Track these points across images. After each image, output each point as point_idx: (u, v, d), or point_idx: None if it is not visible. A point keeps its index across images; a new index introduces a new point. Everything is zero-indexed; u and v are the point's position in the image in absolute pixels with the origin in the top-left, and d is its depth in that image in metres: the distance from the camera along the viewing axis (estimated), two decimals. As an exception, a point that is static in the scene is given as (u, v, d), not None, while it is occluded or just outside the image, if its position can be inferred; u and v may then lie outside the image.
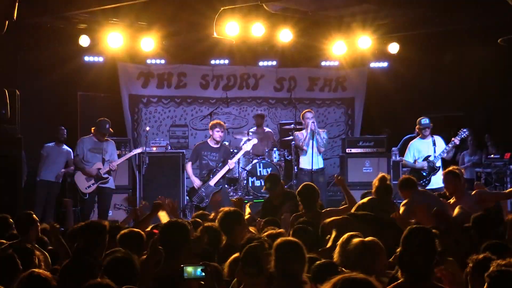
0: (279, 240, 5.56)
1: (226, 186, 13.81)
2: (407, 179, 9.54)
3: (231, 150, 14.79)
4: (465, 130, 12.72)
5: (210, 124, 13.00)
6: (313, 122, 13.30)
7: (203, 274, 5.05)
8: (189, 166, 12.90)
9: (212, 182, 12.49)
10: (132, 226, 8.02)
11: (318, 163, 13.45)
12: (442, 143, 12.88)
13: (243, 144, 14.19)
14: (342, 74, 18.47)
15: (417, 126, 13.09)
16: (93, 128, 13.12)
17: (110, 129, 13.07)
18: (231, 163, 12.74)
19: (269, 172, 14.83)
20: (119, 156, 13.70)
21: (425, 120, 12.95)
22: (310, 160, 13.27)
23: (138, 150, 13.79)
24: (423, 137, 12.96)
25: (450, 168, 9.53)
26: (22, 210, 9.12)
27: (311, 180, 13.08)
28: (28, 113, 14.33)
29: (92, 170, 12.82)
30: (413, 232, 5.13)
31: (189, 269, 5.07)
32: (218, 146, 12.77)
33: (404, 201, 9.13)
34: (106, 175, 12.92)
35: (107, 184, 13.04)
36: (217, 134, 12.61)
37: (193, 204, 12.85)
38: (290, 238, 5.86)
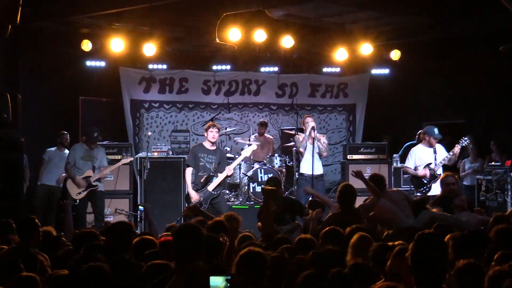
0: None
1: (227, 191, 13.81)
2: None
3: (232, 156, 14.82)
4: (466, 138, 12.69)
5: (205, 127, 13.05)
6: (312, 128, 13.31)
7: (228, 285, 5.07)
8: (188, 173, 12.81)
9: (210, 188, 12.46)
10: None
11: (318, 169, 13.45)
12: (443, 151, 12.85)
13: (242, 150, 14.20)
14: (343, 81, 18.48)
15: (425, 135, 12.92)
16: (84, 137, 13.46)
17: (99, 137, 13.34)
18: (230, 169, 12.70)
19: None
20: (118, 161, 13.87)
21: (437, 131, 12.76)
22: (310, 166, 13.28)
23: (127, 160, 13.90)
24: (428, 145, 12.85)
25: None
26: (23, 215, 9.13)
27: (311, 185, 13.12)
28: (29, 117, 14.37)
29: (81, 183, 13.01)
30: (421, 237, 5.09)
31: (215, 279, 5.09)
32: (214, 148, 12.76)
33: None
34: (96, 183, 13.04)
35: (97, 188, 13.18)
36: (211, 134, 12.58)
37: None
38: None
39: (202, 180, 12.50)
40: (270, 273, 5.47)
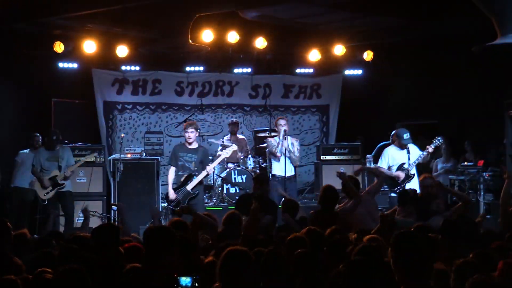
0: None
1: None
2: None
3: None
4: (439, 138, 12.71)
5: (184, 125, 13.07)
6: (284, 130, 13.30)
7: (196, 285, 5.07)
8: (170, 173, 12.69)
9: (189, 187, 12.40)
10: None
11: (289, 171, 13.45)
12: (417, 151, 12.86)
13: (220, 150, 14.15)
14: (317, 81, 18.51)
15: (396, 137, 12.98)
16: (45, 139, 13.38)
17: (60, 137, 13.21)
18: (210, 169, 12.66)
19: (243, 180, 14.88)
20: (91, 162, 13.98)
21: (407, 136, 12.71)
22: (283, 167, 13.27)
23: (91, 157, 14.01)
24: (399, 147, 12.87)
25: None
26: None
27: (284, 186, 13.10)
28: (2, 119, 14.28)
29: (45, 183, 12.90)
30: (401, 236, 5.04)
31: (184, 278, 5.10)
32: (195, 147, 12.67)
33: None
34: (62, 182, 12.95)
35: (65, 188, 13.07)
36: (186, 135, 12.54)
37: (169, 210, 12.76)
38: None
39: (182, 179, 12.46)
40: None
